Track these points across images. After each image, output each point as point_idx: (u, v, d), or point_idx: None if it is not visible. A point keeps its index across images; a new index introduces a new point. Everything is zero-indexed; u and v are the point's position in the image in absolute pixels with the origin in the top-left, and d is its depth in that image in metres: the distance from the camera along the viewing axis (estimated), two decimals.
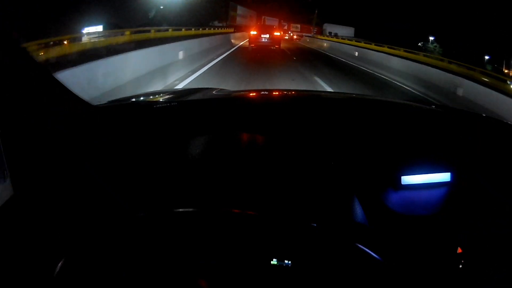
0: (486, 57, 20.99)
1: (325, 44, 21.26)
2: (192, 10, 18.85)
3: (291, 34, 34.79)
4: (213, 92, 1.29)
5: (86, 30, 9.73)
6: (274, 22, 36.57)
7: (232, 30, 22.66)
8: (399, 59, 11.39)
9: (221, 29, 21.22)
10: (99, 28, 10.61)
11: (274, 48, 16.06)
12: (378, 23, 27.62)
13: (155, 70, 5.76)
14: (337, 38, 25.35)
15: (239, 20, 31.26)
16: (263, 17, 38.23)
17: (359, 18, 32.25)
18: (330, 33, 33.57)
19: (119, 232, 0.64)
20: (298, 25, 40.33)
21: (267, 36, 16.04)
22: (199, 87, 1.49)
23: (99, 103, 0.91)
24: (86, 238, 0.62)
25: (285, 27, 39.34)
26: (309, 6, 36.89)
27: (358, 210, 0.71)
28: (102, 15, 11.16)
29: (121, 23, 11.58)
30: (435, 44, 27.50)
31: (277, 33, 16.97)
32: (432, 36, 27.93)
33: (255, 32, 16.21)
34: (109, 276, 0.61)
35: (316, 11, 34.39)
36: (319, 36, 30.16)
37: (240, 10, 32.39)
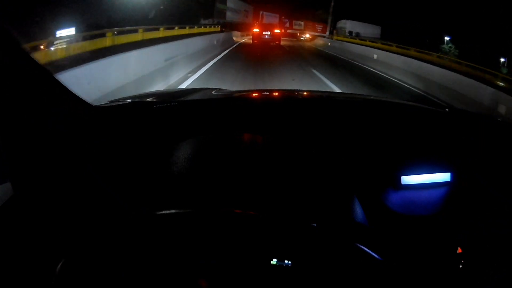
0: (502, 59, 21.14)
1: (375, 56, 13.50)
2: (169, 5, 17.06)
3: (308, 36, 32.34)
4: (213, 92, 1.37)
5: (58, 33, 8.56)
6: (274, 18, 34.96)
7: (218, 29, 20.03)
8: None
9: (206, 27, 19.22)
10: (71, 30, 9.10)
11: (273, 44, 19.81)
12: (405, 22, 24.29)
13: None
14: (357, 39, 22.06)
15: (230, 16, 28.21)
16: (261, 12, 35.88)
17: (379, 14, 27.33)
18: (350, 32, 27.85)
19: (119, 232, 0.69)
20: (302, 22, 38.18)
21: (268, 33, 20.45)
22: (199, 87, 1.58)
23: (99, 103, 0.98)
24: (86, 238, 0.67)
25: (287, 24, 38.39)
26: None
27: (358, 210, 0.77)
28: (75, 14, 10.41)
29: (101, 22, 11.01)
30: (450, 45, 27.48)
31: (277, 30, 21.28)
32: (448, 36, 27.49)
33: (257, 30, 20.88)
34: (109, 277, 0.67)
35: (332, 3, 28.43)
36: (340, 37, 24.13)
37: (231, 2, 28.75)
